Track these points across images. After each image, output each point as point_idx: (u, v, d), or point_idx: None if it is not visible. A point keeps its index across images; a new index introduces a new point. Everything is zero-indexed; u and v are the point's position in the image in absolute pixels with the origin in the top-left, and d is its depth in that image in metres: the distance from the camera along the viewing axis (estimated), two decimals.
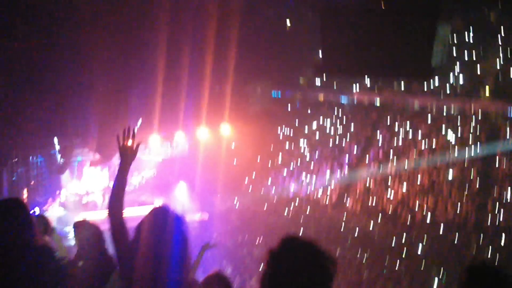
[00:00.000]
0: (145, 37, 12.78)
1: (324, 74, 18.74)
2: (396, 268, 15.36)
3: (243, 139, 19.14)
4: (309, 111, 23.50)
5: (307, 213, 18.80)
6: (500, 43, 16.95)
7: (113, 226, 2.70)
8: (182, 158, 18.33)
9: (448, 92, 18.87)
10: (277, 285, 1.74)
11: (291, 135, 22.62)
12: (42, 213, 13.69)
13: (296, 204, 19.35)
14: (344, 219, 18.06)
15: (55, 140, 15.27)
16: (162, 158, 18.43)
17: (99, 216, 16.68)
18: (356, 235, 17.14)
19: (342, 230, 17.44)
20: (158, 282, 2.41)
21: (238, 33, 14.60)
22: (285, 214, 18.97)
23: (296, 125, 22.94)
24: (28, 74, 12.23)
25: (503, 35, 16.75)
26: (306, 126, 22.67)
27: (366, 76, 18.38)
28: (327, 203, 19.03)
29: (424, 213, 16.86)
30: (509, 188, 16.06)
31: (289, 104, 23.99)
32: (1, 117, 12.15)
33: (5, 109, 12.09)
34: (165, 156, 18.23)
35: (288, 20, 19.57)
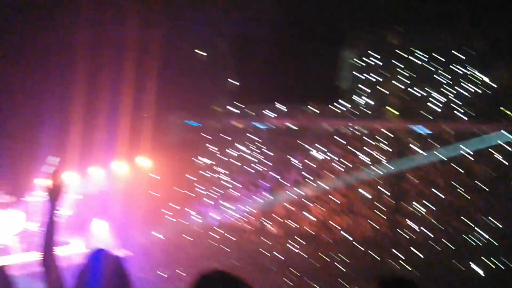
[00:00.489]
0: (58, 72, 12.46)
1: (240, 101, 19.15)
2: None
3: (163, 171, 18.94)
4: (228, 139, 23.69)
5: (230, 240, 18.80)
6: (403, 64, 18.26)
7: (46, 268, 2.64)
8: (100, 194, 17.77)
9: (358, 113, 19.89)
10: None
11: (212, 163, 22.67)
12: None
13: (219, 232, 19.31)
14: (266, 244, 18.25)
15: None
16: (81, 196, 17.77)
17: (17, 260, 15.72)
18: (278, 258, 17.36)
19: (265, 254, 17.60)
20: None
21: (152, 67, 14.62)
22: (207, 243, 18.84)
23: (216, 153, 23.03)
24: None
25: (405, 56, 18.07)
26: (225, 154, 22.82)
27: (279, 101, 19.05)
28: (249, 229, 19.16)
29: (342, 232, 17.45)
30: (420, 202, 17.10)
31: (207, 133, 24.07)
32: None
33: None
34: (84, 193, 17.59)
35: (203, 51, 19.86)
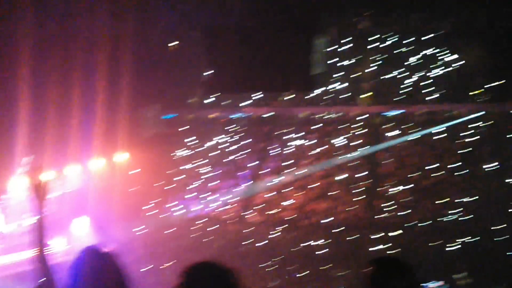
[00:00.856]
0: (31, 66, 12.28)
1: (214, 91, 19.18)
2: (302, 273, 15.95)
3: (140, 165, 18.88)
4: (203, 130, 23.68)
5: (211, 231, 18.91)
6: (372, 49, 18.53)
7: (41, 269, 2.69)
8: (78, 192, 17.63)
9: (331, 99, 20.13)
10: None
11: (189, 155, 22.65)
12: None
13: (200, 223, 19.38)
14: (246, 233, 18.41)
15: None
16: (57, 194, 17.61)
17: None
18: (259, 245, 17.56)
19: (245, 243, 17.78)
20: None
21: (126, 59, 14.53)
22: (190, 235, 18.91)
23: (193, 144, 23.02)
24: None
25: (377, 40, 18.34)
26: (202, 145, 22.82)
27: (253, 90, 19.14)
28: (229, 218, 19.29)
29: (321, 216, 17.73)
30: (395, 183, 17.48)
31: (184, 125, 24.02)
32: None
33: None
34: (61, 192, 17.44)
35: (173, 42, 19.76)
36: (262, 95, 22.22)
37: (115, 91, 15.46)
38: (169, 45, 19.77)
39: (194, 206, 20.01)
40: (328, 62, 18.68)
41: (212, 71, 16.56)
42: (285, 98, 21.47)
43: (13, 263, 14.80)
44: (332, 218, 17.77)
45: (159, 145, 21.23)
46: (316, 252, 16.81)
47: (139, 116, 20.75)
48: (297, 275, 16.03)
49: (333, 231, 17.29)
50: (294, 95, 20.75)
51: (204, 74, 19.28)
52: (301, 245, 17.20)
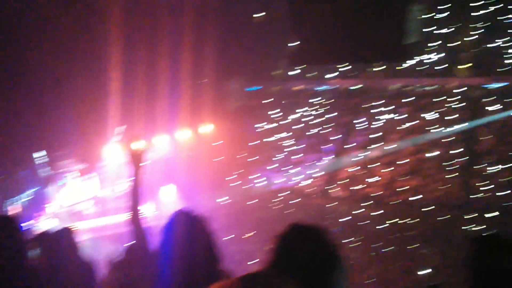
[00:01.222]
0: (121, 41, 12.59)
1: (299, 63, 18.74)
2: (387, 250, 15.41)
3: (224, 136, 19.05)
4: (288, 102, 23.45)
5: (293, 204, 18.75)
6: (473, 16, 17.17)
7: (133, 229, 2.75)
8: (165, 161, 18.16)
9: (425, 70, 19.01)
10: (285, 268, 1.69)
11: (272, 128, 22.55)
12: (34, 227, 13.57)
13: (282, 196, 19.29)
14: (331, 207, 18.06)
15: (40, 153, 15.08)
16: (147, 162, 18.25)
17: (93, 224, 16.46)
18: (343, 221, 17.15)
19: (329, 218, 17.43)
20: (193, 277, 2.49)
21: (210, 31, 14.52)
22: (272, 207, 18.89)
23: (276, 117, 22.88)
24: (3, 92, 12.03)
25: (476, 7, 16.98)
26: (287, 118, 22.61)
27: (342, 61, 18.45)
28: (312, 193, 19.01)
29: (410, 194, 16.97)
30: (491, 162, 16.28)
31: (267, 97, 23.91)
32: None
33: None
34: (150, 160, 18.04)
35: (258, 13, 19.50)
36: (349, 67, 21.50)
37: (201, 63, 15.56)
38: (254, 15, 19.54)
39: (277, 178, 19.92)
40: (424, 30, 17.56)
41: (298, 42, 16.11)
42: (374, 70, 20.64)
43: (108, 225, 15.61)
44: (422, 196, 16.89)
45: (243, 117, 21.28)
46: (403, 231, 16.11)
47: (224, 88, 20.87)
48: (382, 251, 15.51)
49: (422, 209, 16.45)
50: (384, 66, 19.85)
51: (290, 45, 18.85)
52: (387, 222, 16.55)
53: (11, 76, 12.02)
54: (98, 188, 18.63)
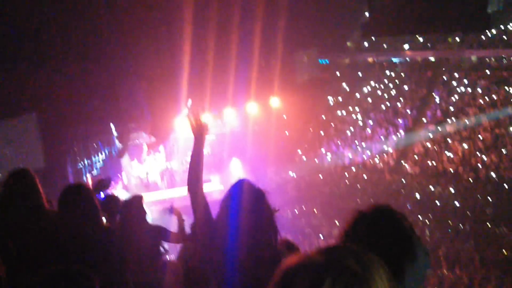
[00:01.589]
0: (190, 16, 12.72)
1: (372, 35, 18.14)
2: (462, 229, 14.88)
3: (293, 110, 18.90)
4: (359, 75, 22.94)
5: (365, 179, 18.43)
6: None
7: (195, 202, 2.80)
8: (233, 134, 18.36)
9: (507, 41, 17.86)
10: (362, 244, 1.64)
11: (342, 101, 22.17)
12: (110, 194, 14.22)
13: (352, 171, 19.01)
14: (403, 183, 17.60)
15: (112, 126, 15.69)
16: (215, 136, 18.54)
17: (161, 196, 17.06)
18: (416, 198, 16.68)
19: (401, 194, 17.01)
20: (254, 250, 2.52)
21: (281, 3, 14.33)
22: (341, 182, 18.67)
23: (347, 90, 22.45)
24: (80, 65, 12.60)
25: None
26: (358, 91, 22.15)
27: (417, 32, 17.67)
28: (384, 168, 18.57)
29: (487, 171, 16.18)
30: None
31: (338, 70, 23.48)
32: (59, 108, 12.61)
33: (62, 101, 12.51)
34: (217, 134, 18.32)
35: None
36: (425, 38, 20.62)
37: (271, 35, 15.43)
38: None
39: (348, 153, 19.62)
40: None
41: (371, 12, 15.56)
42: (452, 40, 19.63)
43: (177, 197, 16.09)
44: (500, 173, 16.05)
45: (314, 90, 21.04)
46: (479, 209, 15.44)
47: (295, 60, 20.65)
48: (457, 232, 14.97)
49: (501, 187, 15.66)
50: (463, 37, 18.84)
51: (363, 16, 18.28)
52: (463, 200, 15.92)
53: (89, 52, 12.52)
54: (167, 161, 19.22)
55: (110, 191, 16.01)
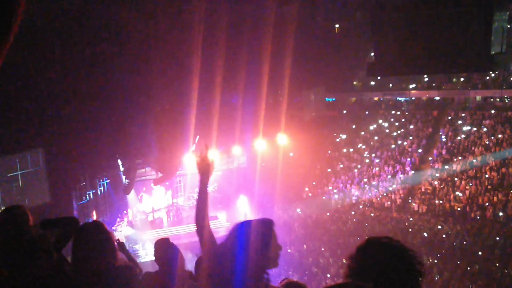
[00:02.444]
0: (200, 55, 12.98)
1: (378, 74, 18.38)
2: (470, 269, 14.68)
3: (300, 147, 19.01)
4: (365, 113, 23.14)
5: (372, 217, 18.34)
6: None
7: (202, 238, 2.82)
8: (240, 170, 18.45)
9: (511, 81, 18.05)
10: (364, 278, 1.72)
11: (349, 139, 22.28)
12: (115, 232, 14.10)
13: (359, 209, 18.94)
14: (410, 222, 17.50)
15: (119, 162, 15.81)
16: (222, 172, 18.62)
17: (166, 233, 17.01)
18: (424, 236, 16.54)
19: (408, 232, 16.88)
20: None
21: (290, 43, 14.59)
22: (349, 220, 18.58)
23: (354, 128, 22.59)
24: (91, 100, 12.82)
25: None
26: (364, 129, 22.27)
27: (422, 73, 17.89)
28: (391, 206, 18.50)
29: (495, 210, 16.09)
30: None
31: (344, 108, 23.71)
32: (67, 144, 12.76)
33: (70, 136, 12.67)
34: (224, 170, 18.41)
35: (337, 24, 19.42)
36: (430, 77, 20.87)
37: (279, 73, 15.65)
38: (332, 25, 19.49)
39: (355, 190, 19.58)
40: (510, 40, 16.67)
41: (377, 52, 15.84)
42: (456, 80, 19.86)
43: (183, 234, 16.02)
44: (506, 213, 15.95)
45: (321, 127, 21.19)
46: (486, 249, 15.27)
47: (303, 98, 20.90)
48: (465, 272, 14.76)
49: (509, 226, 15.54)
50: (468, 77, 19.06)
51: (369, 56, 18.59)
52: (470, 238, 15.77)
53: (98, 89, 12.75)
54: (173, 197, 19.21)
55: (115, 227, 15.90)
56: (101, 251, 2.78)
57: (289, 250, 17.14)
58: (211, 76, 13.93)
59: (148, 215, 18.08)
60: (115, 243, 2.91)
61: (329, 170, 21.27)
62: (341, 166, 21.27)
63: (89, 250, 2.75)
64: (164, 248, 3.93)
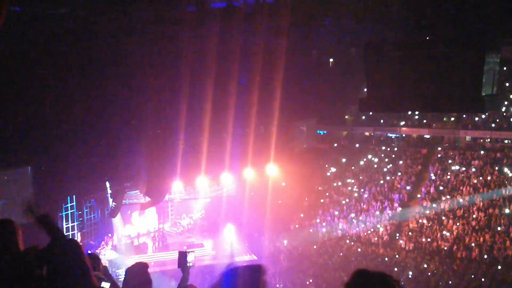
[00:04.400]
0: (191, 81, 13.04)
1: (370, 110, 18.52)
2: None
3: (290, 178, 19.00)
4: (356, 147, 23.24)
5: (359, 252, 18.24)
6: None
7: (182, 272, 2.78)
8: (229, 199, 18.34)
9: (503, 123, 18.26)
10: None
11: (339, 172, 22.30)
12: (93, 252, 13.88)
13: (346, 243, 18.84)
14: (396, 258, 17.41)
15: (107, 184, 15.66)
16: (210, 199, 18.51)
17: (150, 259, 16.76)
18: (410, 274, 16.45)
19: (395, 269, 16.77)
20: None
21: (282, 74, 14.68)
22: (335, 254, 18.45)
23: (344, 162, 22.64)
24: (81, 122, 12.76)
25: None
26: (354, 163, 22.33)
27: (413, 110, 18.07)
28: (378, 242, 18.43)
29: (481, 251, 16.07)
30: None
31: (335, 141, 23.82)
32: (55, 164, 12.64)
33: (59, 156, 12.57)
34: (213, 197, 18.30)
35: (331, 58, 19.66)
36: (420, 115, 21.09)
37: (272, 104, 15.71)
38: (330, 60, 19.73)
39: (343, 224, 19.51)
40: (501, 83, 16.95)
41: (370, 88, 15.99)
42: (447, 119, 20.06)
43: (168, 260, 15.81)
44: (494, 253, 15.93)
45: (311, 160, 21.20)
46: None
47: (294, 129, 20.97)
48: None
49: (495, 267, 15.50)
50: (458, 117, 19.28)
51: (361, 91, 18.78)
52: (456, 278, 15.71)
53: (90, 110, 12.73)
54: (160, 222, 19.00)
55: (99, 250, 15.59)
56: (75, 270, 2.71)
57: (278, 286, 16.99)
58: (202, 104, 13.96)
59: (133, 240, 17.83)
60: (89, 264, 2.83)
61: (317, 202, 21.21)
62: (330, 199, 21.23)
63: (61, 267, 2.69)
64: (137, 277, 3.75)
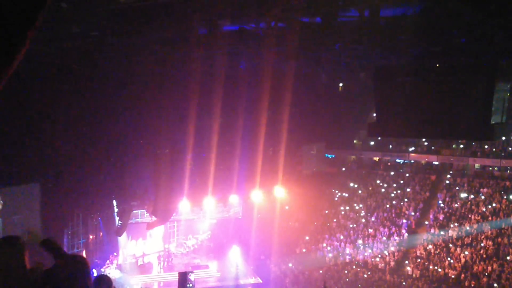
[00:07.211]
0: (199, 102, 13.12)
1: (378, 135, 18.52)
2: None
3: (297, 201, 18.92)
4: (364, 172, 23.17)
5: (365, 278, 18.03)
6: None
7: None
8: (236, 220, 18.27)
9: (510, 151, 18.19)
10: None
11: (347, 197, 22.21)
12: (103, 273, 13.89)
13: (352, 268, 18.65)
14: (403, 286, 17.19)
15: (114, 202, 15.69)
16: (216, 220, 18.45)
17: (155, 279, 16.65)
18: None
19: None
20: None
21: (291, 97, 14.75)
22: (341, 279, 18.26)
23: (352, 186, 22.56)
24: (90, 141, 12.87)
25: None
26: (362, 188, 22.24)
27: (422, 136, 18.06)
28: (385, 268, 18.23)
29: (489, 280, 15.84)
30: None
31: (343, 166, 23.77)
32: (63, 181, 12.71)
33: (67, 173, 12.64)
34: (219, 218, 18.25)
35: (341, 83, 19.74)
36: (429, 142, 21.05)
37: (281, 127, 15.76)
38: (340, 84, 19.80)
39: (350, 249, 19.34)
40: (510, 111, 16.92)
41: (379, 113, 16.03)
42: (456, 146, 20.02)
43: (172, 281, 15.70)
44: (503, 282, 15.69)
45: (319, 183, 21.16)
46: None
47: (303, 152, 20.97)
48: None
49: None
50: (467, 144, 19.23)
51: (371, 116, 18.81)
52: None
53: (98, 128, 12.84)
54: (165, 243, 18.90)
55: (104, 269, 15.50)
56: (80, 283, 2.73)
57: None
58: (210, 125, 14.04)
59: (138, 259, 17.74)
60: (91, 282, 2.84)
61: (324, 226, 21.08)
62: (337, 223, 21.10)
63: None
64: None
